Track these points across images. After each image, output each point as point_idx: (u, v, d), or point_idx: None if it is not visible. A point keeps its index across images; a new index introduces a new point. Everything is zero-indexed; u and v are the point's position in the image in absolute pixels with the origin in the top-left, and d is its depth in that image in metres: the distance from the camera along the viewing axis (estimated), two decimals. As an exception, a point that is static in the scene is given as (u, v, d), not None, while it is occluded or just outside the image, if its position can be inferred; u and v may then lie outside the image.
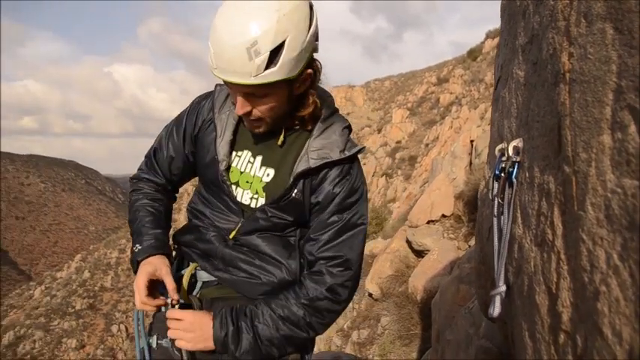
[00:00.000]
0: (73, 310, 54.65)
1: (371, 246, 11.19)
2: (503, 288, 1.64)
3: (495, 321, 1.93)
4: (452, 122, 33.43)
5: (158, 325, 1.91)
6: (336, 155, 1.70)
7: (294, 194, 1.72)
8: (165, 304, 1.77)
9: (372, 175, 38.85)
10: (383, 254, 9.16)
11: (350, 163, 1.76)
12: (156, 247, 1.82)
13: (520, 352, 1.61)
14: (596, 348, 1.02)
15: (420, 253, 8.42)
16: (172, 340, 1.75)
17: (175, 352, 1.80)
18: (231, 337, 1.66)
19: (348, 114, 58.22)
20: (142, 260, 1.78)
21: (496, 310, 1.63)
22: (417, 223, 9.03)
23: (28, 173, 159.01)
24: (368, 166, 39.57)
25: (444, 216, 9.05)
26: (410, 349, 6.65)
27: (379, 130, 48.96)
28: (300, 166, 1.70)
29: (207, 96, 1.92)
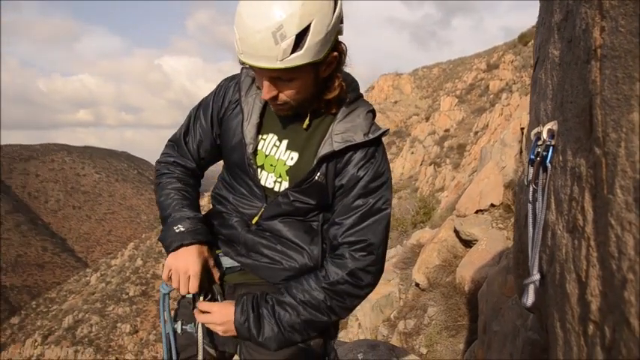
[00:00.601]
0: (126, 296, 56.55)
1: (418, 235, 11.07)
2: (537, 277, 1.58)
3: (533, 311, 1.87)
4: (502, 109, 32.59)
5: (183, 311, 1.95)
6: (359, 138, 1.69)
7: (316, 177, 1.71)
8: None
9: (420, 164, 38.23)
10: (430, 244, 9.04)
11: (375, 146, 1.74)
12: (204, 233, 1.81)
13: (553, 343, 1.55)
14: (623, 340, 0.97)
15: (468, 243, 8.26)
16: (197, 326, 1.82)
17: (195, 334, 1.85)
18: (253, 323, 1.68)
19: (395, 102, 57.58)
20: (187, 244, 1.76)
21: (529, 299, 1.58)
22: (465, 212, 8.85)
23: (84, 164, 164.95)
24: (416, 154, 38.98)
25: (492, 205, 8.84)
26: (457, 340, 6.56)
27: (427, 118, 48.11)
28: (324, 150, 1.69)
29: (234, 78, 1.93)
